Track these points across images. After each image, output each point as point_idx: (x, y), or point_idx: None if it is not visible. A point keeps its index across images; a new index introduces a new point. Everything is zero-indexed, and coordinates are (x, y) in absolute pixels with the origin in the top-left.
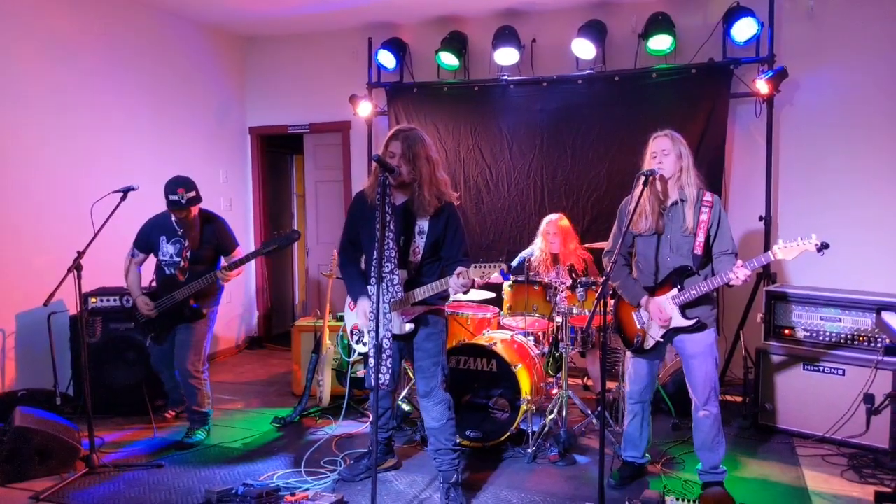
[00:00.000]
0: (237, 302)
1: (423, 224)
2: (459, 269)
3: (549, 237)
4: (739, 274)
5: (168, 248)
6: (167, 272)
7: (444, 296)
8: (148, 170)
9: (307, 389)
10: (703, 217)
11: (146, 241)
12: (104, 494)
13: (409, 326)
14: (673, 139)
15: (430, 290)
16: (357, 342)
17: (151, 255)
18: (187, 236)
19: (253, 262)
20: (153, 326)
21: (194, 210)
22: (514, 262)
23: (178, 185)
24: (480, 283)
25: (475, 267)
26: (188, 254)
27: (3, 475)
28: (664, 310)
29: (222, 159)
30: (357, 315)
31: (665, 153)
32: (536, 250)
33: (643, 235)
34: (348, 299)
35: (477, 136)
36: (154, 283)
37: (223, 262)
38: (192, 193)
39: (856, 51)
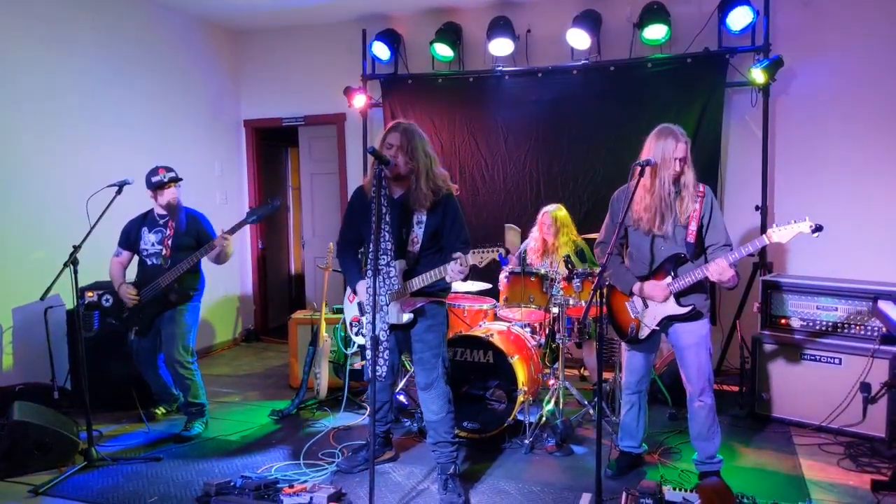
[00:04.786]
0: (233, 295)
1: (421, 215)
2: (457, 253)
3: (544, 228)
4: (714, 268)
5: (150, 238)
6: (149, 263)
7: (445, 287)
8: (142, 164)
9: (304, 382)
10: (696, 206)
11: (128, 237)
12: (103, 487)
13: (406, 316)
14: (687, 141)
15: (427, 278)
16: (356, 334)
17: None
18: (169, 225)
19: (249, 256)
20: (136, 319)
21: (176, 191)
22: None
23: (159, 168)
24: (480, 266)
25: (473, 252)
26: (170, 241)
27: (3, 469)
28: (661, 288)
29: (217, 153)
30: (359, 297)
31: (684, 160)
32: (532, 240)
33: (639, 230)
34: (348, 291)
35: (472, 128)
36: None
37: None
38: (173, 173)
39: (852, 39)
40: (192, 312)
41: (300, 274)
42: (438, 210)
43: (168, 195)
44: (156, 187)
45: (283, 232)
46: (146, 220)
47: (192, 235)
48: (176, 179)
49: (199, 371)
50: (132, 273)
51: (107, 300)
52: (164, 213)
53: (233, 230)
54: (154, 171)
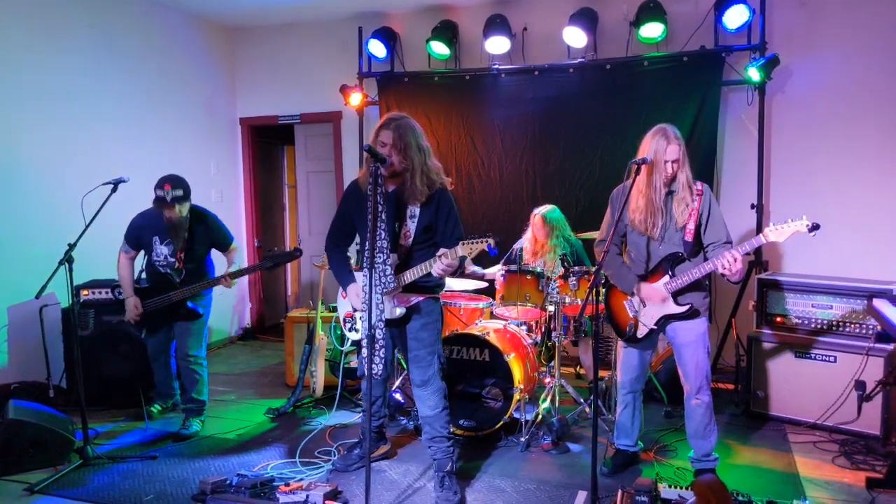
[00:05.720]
0: (230, 294)
1: (415, 209)
2: (441, 250)
3: (535, 229)
4: (728, 258)
5: (162, 250)
6: (162, 272)
7: (440, 282)
8: (138, 162)
9: (300, 380)
10: (694, 205)
11: (138, 240)
12: (99, 486)
13: (399, 311)
14: (680, 143)
15: (416, 272)
16: (349, 330)
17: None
18: (178, 238)
19: (245, 255)
20: (145, 323)
21: (180, 208)
22: (508, 254)
23: (166, 182)
24: (470, 257)
25: (463, 244)
26: (182, 255)
27: None
28: (659, 291)
29: (213, 151)
30: (349, 301)
31: (676, 162)
32: (525, 241)
33: (637, 229)
34: (341, 289)
35: (468, 126)
36: (144, 277)
37: (223, 256)
38: (179, 192)
39: (848, 38)
40: (206, 307)
41: (296, 272)
42: (432, 205)
43: (173, 212)
44: (154, 203)
45: (279, 230)
46: (157, 228)
47: (205, 243)
48: (180, 199)
49: (207, 368)
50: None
51: (119, 293)
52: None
53: (239, 274)
54: (160, 184)
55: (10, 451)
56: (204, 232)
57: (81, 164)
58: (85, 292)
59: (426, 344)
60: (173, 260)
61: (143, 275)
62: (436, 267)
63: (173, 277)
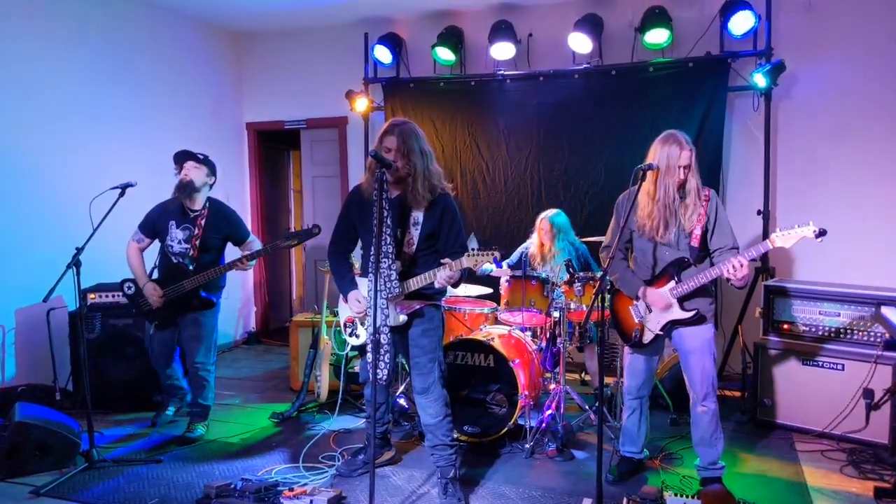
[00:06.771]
0: (235, 297)
1: (418, 216)
2: (445, 260)
3: (542, 233)
4: (734, 263)
5: (177, 234)
6: (174, 261)
7: (441, 290)
8: (145, 166)
9: (305, 385)
10: (700, 211)
11: (153, 226)
12: (104, 489)
13: (402, 317)
14: (691, 149)
15: (419, 281)
16: (350, 335)
17: (155, 242)
18: (197, 223)
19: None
20: (157, 314)
21: (195, 172)
22: (514, 257)
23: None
24: (475, 269)
25: (468, 255)
26: (197, 242)
27: (4, 470)
28: (664, 297)
29: (219, 155)
30: (350, 306)
31: (688, 168)
32: (532, 246)
33: (643, 236)
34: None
35: (474, 131)
36: (157, 272)
37: (239, 250)
38: (201, 156)
39: (854, 43)
40: (215, 314)
41: (301, 276)
42: (435, 211)
43: (183, 171)
44: (175, 161)
45: None
46: (174, 213)
47: (220, 232)
48: (199, 161)
49: (214, 374)
50: (149, 257)
51: (129, 287)
52: (194, 208)
53: (255, 255)
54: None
55: (16, 454)
56: (221, 220)
57: (89, 169)
58: (92, 296)
59: (426, 351)
60: (188, 246)
61: (155, 273)
62: (438, 277)
63: (187, 266)
